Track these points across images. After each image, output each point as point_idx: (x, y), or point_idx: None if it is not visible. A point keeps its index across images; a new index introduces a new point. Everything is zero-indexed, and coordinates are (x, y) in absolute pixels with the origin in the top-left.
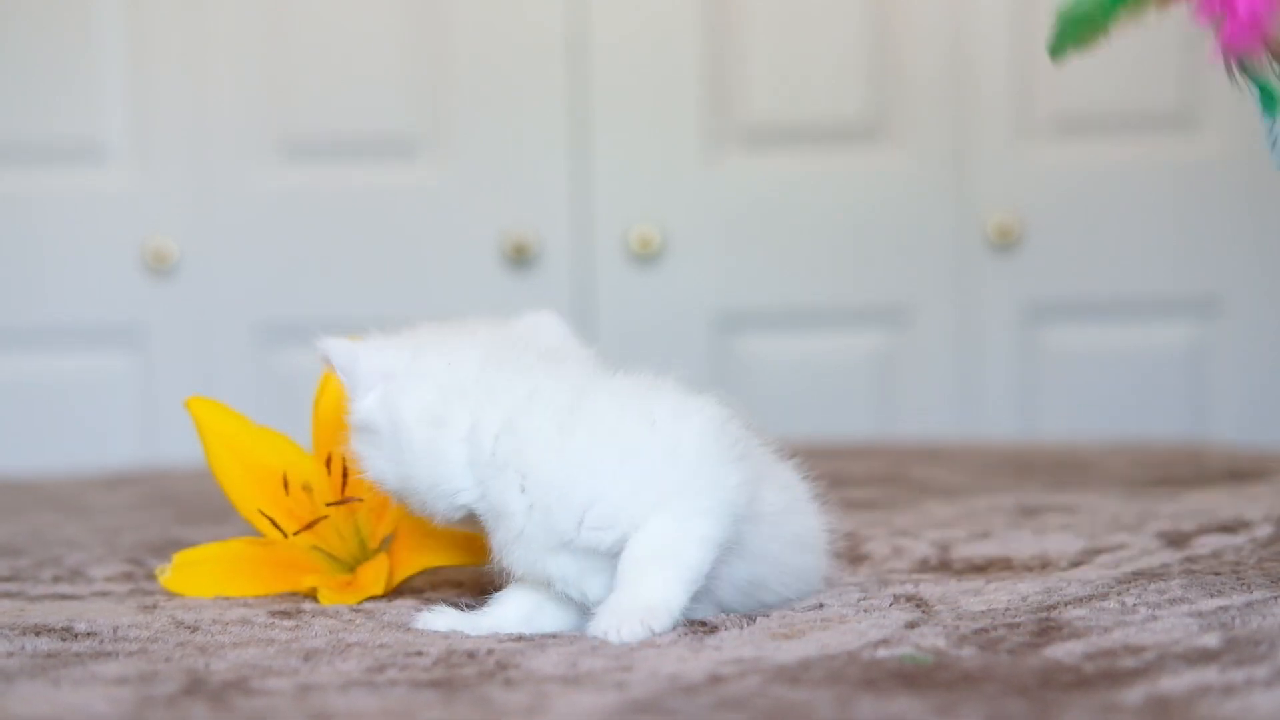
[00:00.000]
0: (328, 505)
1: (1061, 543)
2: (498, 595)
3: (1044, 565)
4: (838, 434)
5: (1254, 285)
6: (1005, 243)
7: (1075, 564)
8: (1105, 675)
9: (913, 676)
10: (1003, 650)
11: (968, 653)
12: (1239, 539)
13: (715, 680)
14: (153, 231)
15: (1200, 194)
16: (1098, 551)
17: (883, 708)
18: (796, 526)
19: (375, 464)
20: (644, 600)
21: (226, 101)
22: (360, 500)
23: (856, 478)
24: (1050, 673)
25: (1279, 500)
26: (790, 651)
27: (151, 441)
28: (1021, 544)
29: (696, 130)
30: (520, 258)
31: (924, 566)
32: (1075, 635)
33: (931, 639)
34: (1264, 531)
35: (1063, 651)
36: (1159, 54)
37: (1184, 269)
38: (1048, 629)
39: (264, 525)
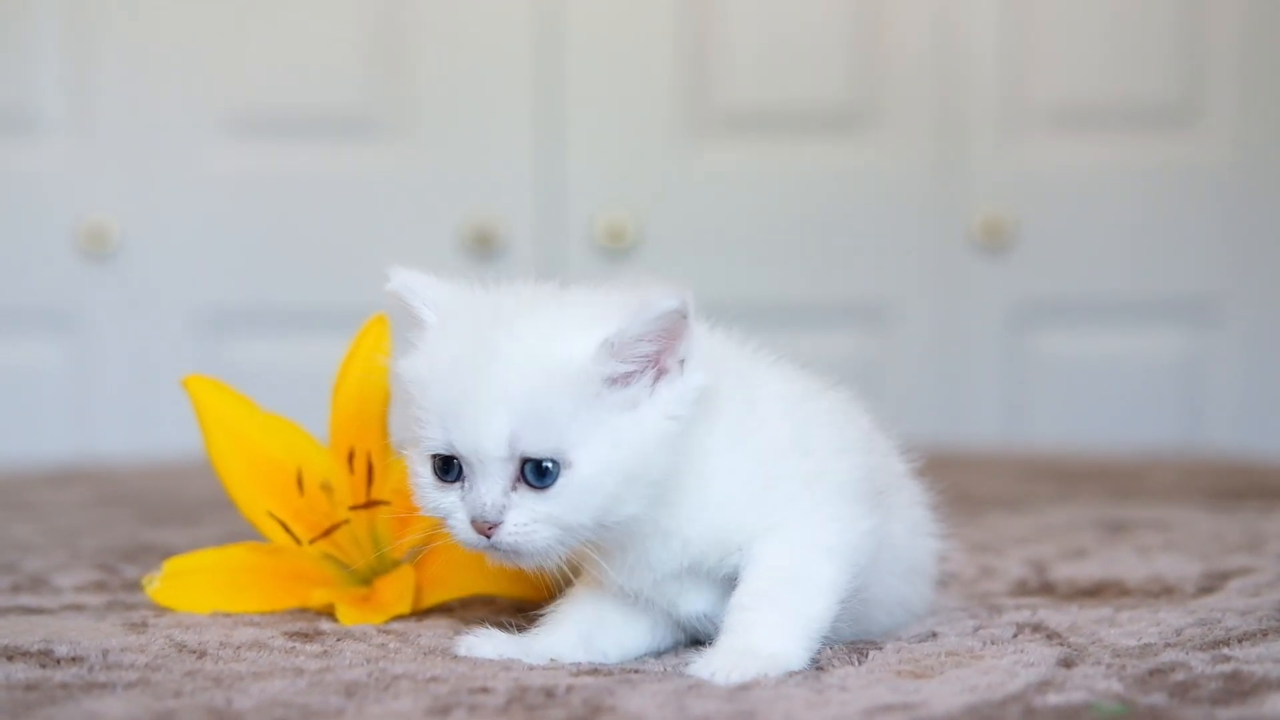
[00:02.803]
0: (351, 509)
1: (1174, 564)
2: (551, 613)
3: (1166, 590)
4: None
5: (1250, 288)
6: (993, 240)
7: (1205, 590)
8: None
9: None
10: (1201, 700)
11: (1158, 701)
12: None
13: None
14: (91, 210)
15: (1196, 193)
16: (1225, 576)
17: None
18: (915, 555)
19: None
20: (762, 648)
21: (173, 73)
22: (387, 504)
23: None
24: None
25: None
26: (938, 697)
27: (87, 433)
28: (1127, 565)
29: (673, 116)
30: (484, 247)
31: (1023, 589)
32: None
33: (1102, 682)
34: None
35: (1269, 705)
36: (1157, 45)
37: (1177, 270)
38: (1238, 674)
39: (272, 530)
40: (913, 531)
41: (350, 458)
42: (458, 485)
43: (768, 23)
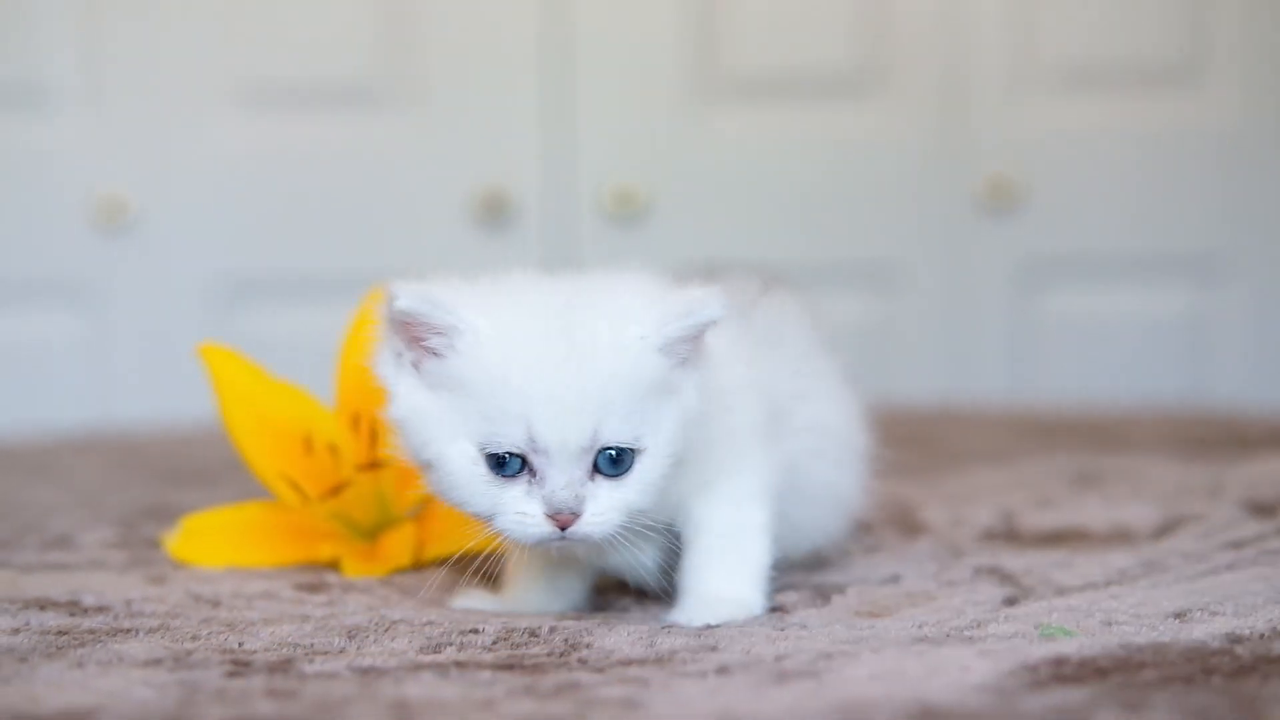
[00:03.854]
0: (356, 469)
1: (1136, 512)
2: (513, 577)
3: (1125, 536)
4: None
5: (1253, 245)
6: (1000, 201)
7: (1160, 534)
8: (1266, 660)
9: (1059, 663)
10: (1140, 633)
11: (1100, 634)
12: None
13: (826, 657)
14: (105, 184)
15: (1200, 153)
16: (1181, 521)
17: (1052, 699)
18: (817, 477)
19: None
20: (726, 596)
21: (184, 46)
22: (390, 464)
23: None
24: (1210, 659)
25: None
26: (890, 632)
27: (105, 403)
28: (1091, 512)
29: (680, 82)
30: (494, 214)
31: (990, 536)
32: (1217, 617)
33: (1042, 617)
34: None
35: (1203, 632)
36: (1161, 5)
37: (1181, 229)
38: (1180, 613)
39: (283, 489)
40: (814, 453)
41: (355, 421)
42: (520, 480)
43: None
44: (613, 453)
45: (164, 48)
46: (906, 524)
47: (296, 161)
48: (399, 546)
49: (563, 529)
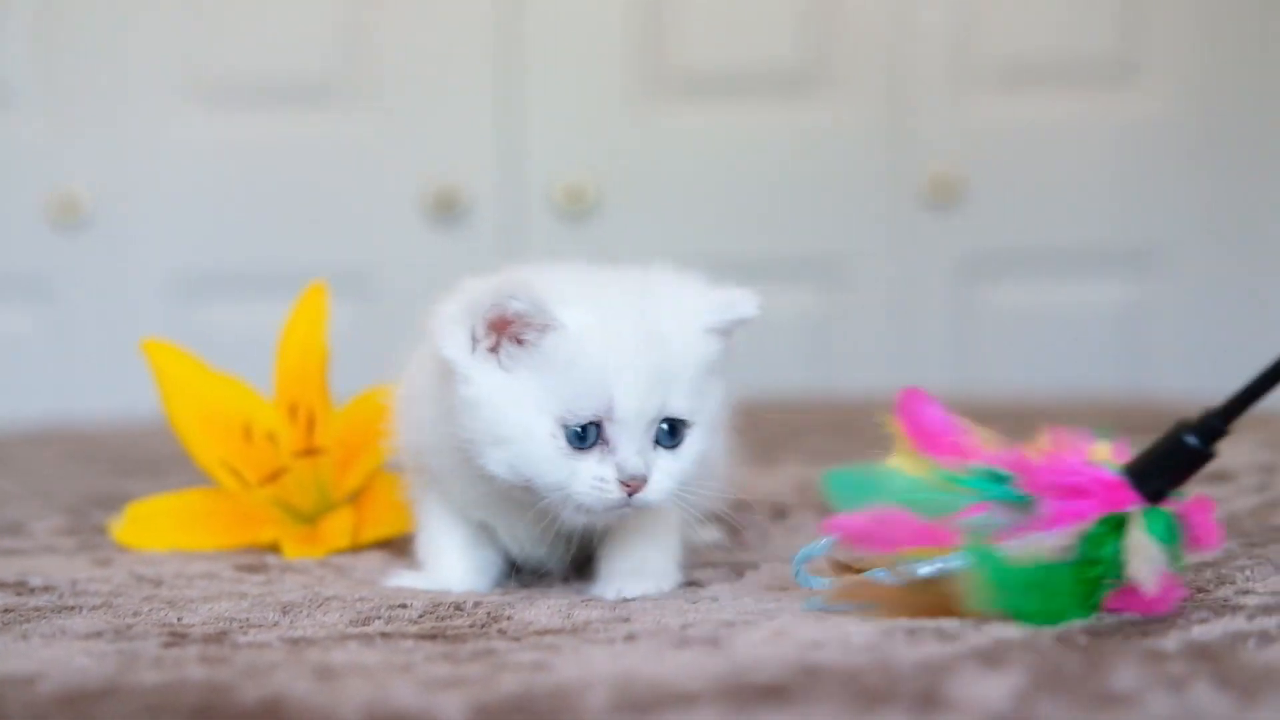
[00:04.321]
0: (294, 455)
1: None
2: (435, 557)
3: None
4: (775, 388)
5: (1190, 239)
6: (943, 196)
7: None
8: (1132, 623)
9: (947, 634)
10: None
11: None
12: (1225, 490)
13: (728, 625)
14: (61, 180)
15: (1138, 148)
16: None
17: (920, 653)
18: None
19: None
20: (647, 570)
21: (141, 43)
22: (326, 452)
23: (814, 428)
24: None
25: (1257, 450)
26: (789, 607)
27: (62, 396)
28: None
29: (629, 79)
30: (447, 210)
31: None
32: None
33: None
34: (1250, 481)
35: None
36: (1100, 4)
37: (1122, 223)
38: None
39: (224, 476)
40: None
41: (293, 410)
42: (593, 452)
43: None
44: (669, 425)
45: (120, 44)
46: (825, 506)
47: (252, 158)
48: (337, 530)
49: (630, 495)
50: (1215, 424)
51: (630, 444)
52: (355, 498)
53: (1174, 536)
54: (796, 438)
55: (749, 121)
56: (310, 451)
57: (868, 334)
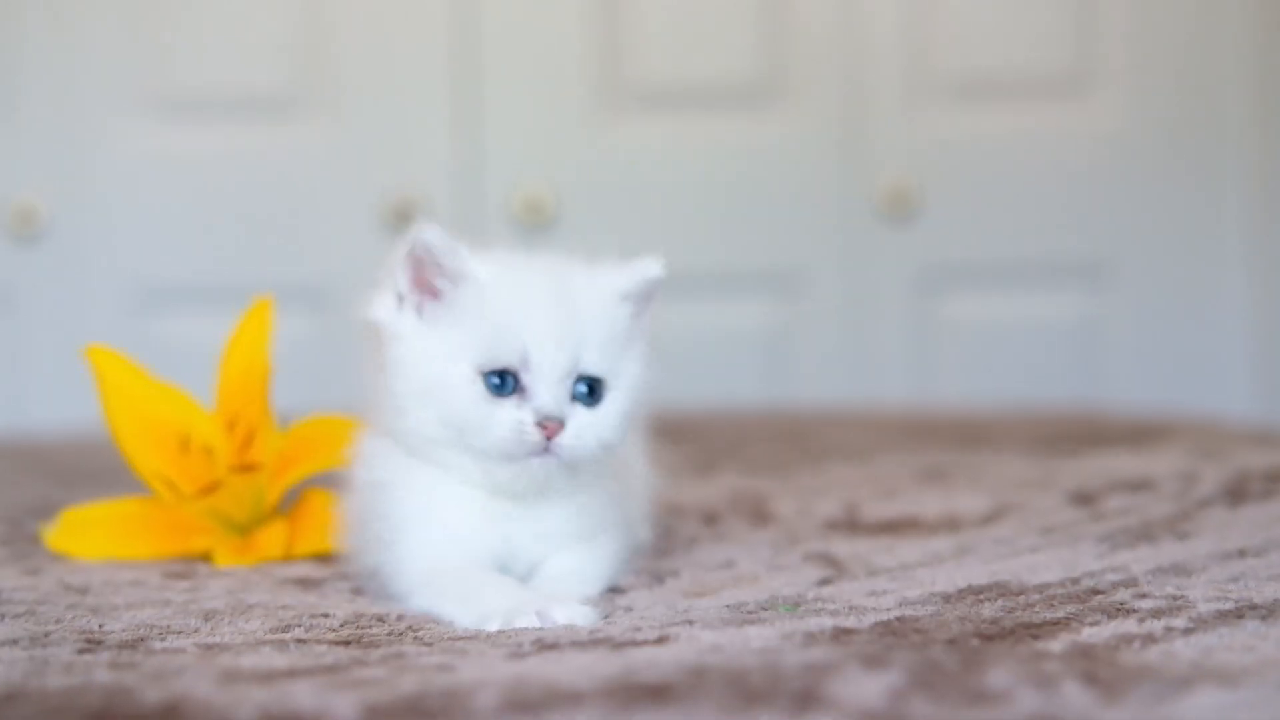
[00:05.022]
0: (230, 470)
1: (969, 502)
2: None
3: (954, 524)
4: (731, 400)
5: (1144, 252)
6: (898, 209)
7: (986, 522)
8: (1026, 626)
9: (841, 631)
10: (926, 605)
11: (888, 606)
12: (1144, 498)
13: (635, 630)
14: (17, 191)
15: (1090, 161)
16: (1007, 509)
17: (808, 656)
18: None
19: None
20: (587, 575)
21: (97, 54)
22: (261, 467)
23: (756, 439)
24: (976, 625)
25: (1181, 459)
26: (701, 609)
27: (17, 408)
28: (928, 503)
29: (586, 92)
30: (405, 222)
31: (833, 525)
32: (1005, 593)
33: (847, 596)
34: (1169, 488)
35: (989, 607)
36: (1053, 18)
37: (1076, 236)
38: (976, 590)
39: (159, 485)
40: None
41: (232, 424)
42: (511, 398)
43: (678, 1)
44: (588, 385)
45: (76, 57)
46: (757, 514)
47: (210, 170)
48: (270, 541)
49: (549, 440)
50: None
51: (546, 391)
52: (291, 510)
53: None
54: (739, 448)
55: (706, 134)
56: (247, 467)
57: (824, 346)
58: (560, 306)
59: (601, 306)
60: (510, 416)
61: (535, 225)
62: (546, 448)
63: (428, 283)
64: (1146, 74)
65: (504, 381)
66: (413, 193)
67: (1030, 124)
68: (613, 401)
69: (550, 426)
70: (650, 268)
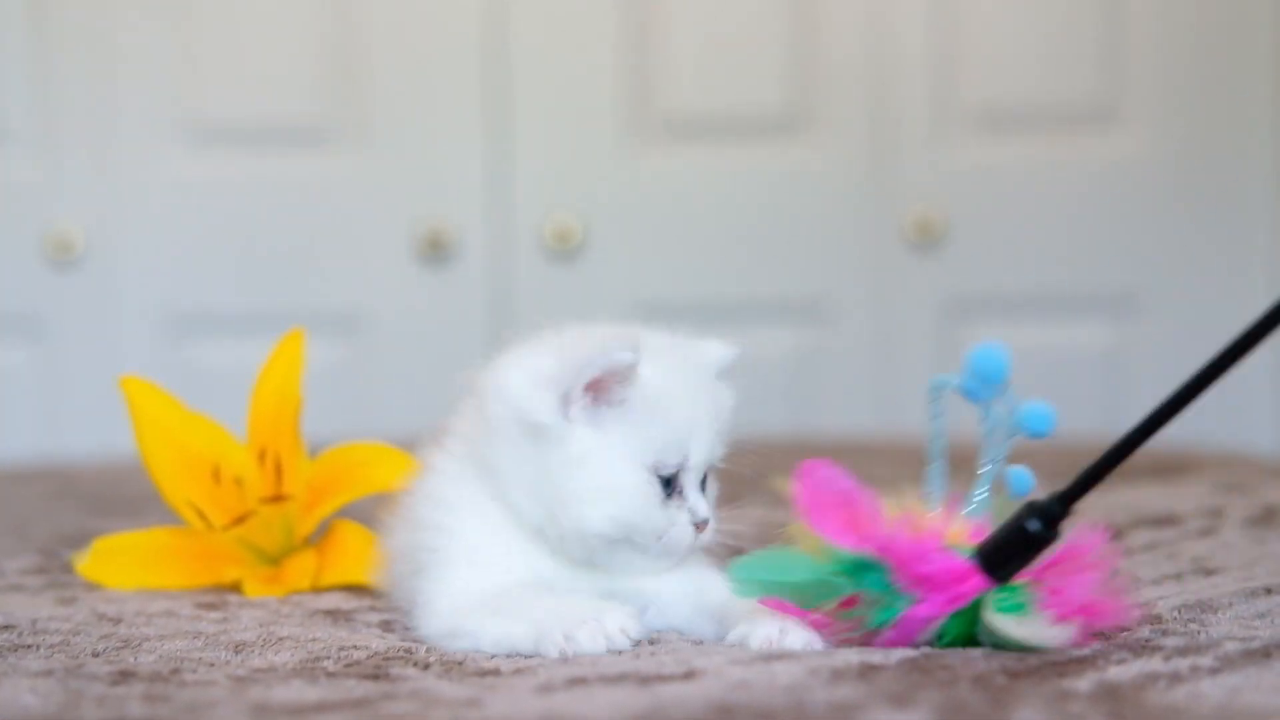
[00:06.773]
0: (260, 501)
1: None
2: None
3: None
4: (757, 430)
5: (1170, 283)
6: (925, 238)
7: None
8: (1052, 664)
9: (868, 668)
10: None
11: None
12: (1169, 532)
13: (661, 664)
14: (55, 219)
15: (1117, 192)
16: None
17: (835, 694)
18: None
19: None
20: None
21: (134, 85)
22: (292, 498)
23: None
24: (1003, 662)
25: (1206, 493)
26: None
27: (53, 435)
28: None
29: (616, 122)
30: (436, 250)
31: None
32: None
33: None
34: (1195, 524)
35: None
36: (1080, 49)
37: (1102, 267)
38: None
39: (191, 515)
40: None
41: (262, 455)
42: (673, 499)
43: (707, 34)
44: (706, 472)
45: (113, 86)
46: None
47: (243, 199)
48: (299, 571)
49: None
50: (1055, 509)
51: (695, 490)
52: (320, 541)
53: (1027, 608)
54: (766, 479)
55: (734, 164)
56: (277, 498)
57: (851, 375)
58: (710, 405)
59: (724, 394)
60: (681, 519)
61: (564, 253)
62: (695, 542)
63: (608, 391)
64: (1173, 104)
65: (669, 483)
66: (444, 222)
67: (1057, 154)
68: (712, 483)
69: (702, 527)
70: (730, 351)
